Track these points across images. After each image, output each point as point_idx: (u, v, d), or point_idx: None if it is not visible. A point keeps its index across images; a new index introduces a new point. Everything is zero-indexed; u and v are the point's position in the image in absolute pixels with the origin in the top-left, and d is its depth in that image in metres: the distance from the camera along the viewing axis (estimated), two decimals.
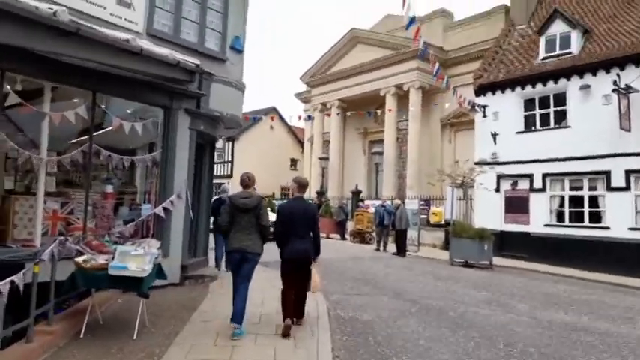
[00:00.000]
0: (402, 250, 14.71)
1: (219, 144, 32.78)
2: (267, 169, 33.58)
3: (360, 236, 18.41)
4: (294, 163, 36.57)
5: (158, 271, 5.13)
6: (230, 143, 33.39)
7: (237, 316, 4.74)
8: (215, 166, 34.32)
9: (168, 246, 6.98)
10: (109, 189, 6.90)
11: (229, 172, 33.92)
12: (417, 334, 5.48)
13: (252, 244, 4.85)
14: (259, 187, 28.51)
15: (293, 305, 5.00)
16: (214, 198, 9.12)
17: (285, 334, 4.77)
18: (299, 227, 5.04)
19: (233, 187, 32.96)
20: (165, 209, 6.90)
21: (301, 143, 34.65)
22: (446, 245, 17.72)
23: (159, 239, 6.88)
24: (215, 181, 33.16)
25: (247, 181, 5.16)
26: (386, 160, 22.77)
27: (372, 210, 19.43)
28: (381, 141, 24.87)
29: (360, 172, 26.89)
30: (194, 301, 6.25)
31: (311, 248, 5.16)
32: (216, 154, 32.86)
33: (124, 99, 6.72)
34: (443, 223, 18.80)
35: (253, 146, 33.62)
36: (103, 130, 6.68)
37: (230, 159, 33.83)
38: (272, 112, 35.56)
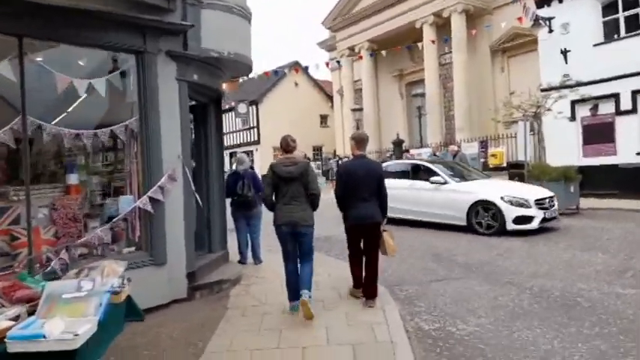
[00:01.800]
0: None
1: (241, 109, 30.67)
2: (296, 129, 31.17)
3: None
4: (324, 119, 34.04)
5: (128, 311, 3.06)
6: (254, 107, 31.12)
7: (305, 282, 4.39)
8: (240, 133, 32.52)
9: (164, 250, 4.91)
10: (73, 180, 4.81)
11: (256, 138, 31.85)
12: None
13: (304, 214, 4.39)
14: None
15: (363, 281, 4.69)
16: (228, 172, 6.96)
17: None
18: (363, 189, 4.58)
19: (261, 156, 31.13)
20: (152, 199, 4.78)
21: (330, 97, 31.94)
22: None
23: (148, 242, 4.87)
24: (242, 149, 31.49)
25: (291, 145, 4.51)
26: (429, 101, 19.92)
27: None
28: (419, 82, 21.96)
29: (399, 120, 24.14)
30: (202, 332, 4.18)
31: (378, 211, 4.68)
32: (240, 120, 31.06)
33: (70, 44, 4.51)
34: (505, 165, 16.17)
35: (279, 107, 31.25)
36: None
37: (255, 124, 31.66)
38: (295, 66, 32.85)
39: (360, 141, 4.80)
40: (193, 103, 6.22)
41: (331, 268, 6.31)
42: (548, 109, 11.80)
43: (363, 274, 4.73)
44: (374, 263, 4.66)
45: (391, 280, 5.80)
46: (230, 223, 6.82)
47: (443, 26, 19.75)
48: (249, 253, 6.97)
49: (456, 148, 13.05)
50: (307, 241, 4.47)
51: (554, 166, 11.30)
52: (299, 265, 4.50)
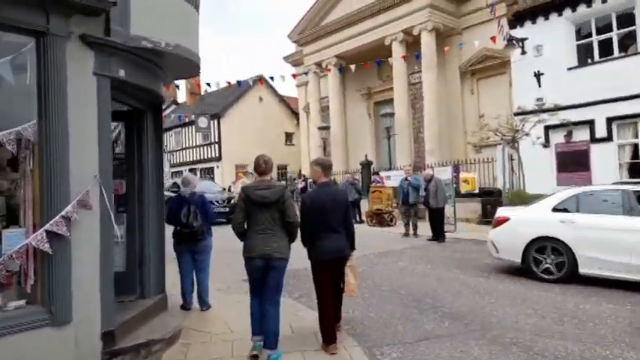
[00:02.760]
0: (439, 234, 11.39)
1: (202, 123, 29.16)
2: (259, 146, 29.95)
3: (379, 217, 15.08)
4: (289, 137, 33.00)
5: None
6: (215, 121, 29.70)
7: (270, 340, 3.94)
8: (200, 149, 31.05)
9: (68, 303, 3.57)
10: None
11: (217, 155, 30.35)
12: None
13: (278, 246, 3.95)
14: (250, 168, 25.24)
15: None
16: (169, 195, 5.68)
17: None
18: (331, 220, 4.26)
19: (223, 172, 29.62)
20: (52, 234, 3.48)
21: (296, 114, 30.96)
22: (483, 219, 14.50)
23: (45, 293, 3.54)
24: (202, 165, 30.06)
25: (263, 167, 4.06)
26: (398, 121, 19.19)
27: (388, 184, 16.12)
28: (388, 101, 21.29)
29: (368, 140, 23.35)
30: None
31: (346, 243, 4.38)
32: (201, 134, 29.50)
33: None
34: (477, 191, 15.52)
35: (242, 122, 29.99)
36: None
37: (217, 139, 30.18)
38: (260, 79, 31.78)
39: (326, 167, 4.48)
40: (125, 108, 4.97)
41: (294, 317, 5.13)
42: (526, 134, 11.17)
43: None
44: (339, 296, 4.49)
45: None
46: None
47: (413, 44, 19.22)
48: (195, 297, 5.68)
49: (430, 172, 12.19)
50: (278, 276, 4.00)
51: (532, 194, 10.61)
52: (263, 306, 4.00)
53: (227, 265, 8.14)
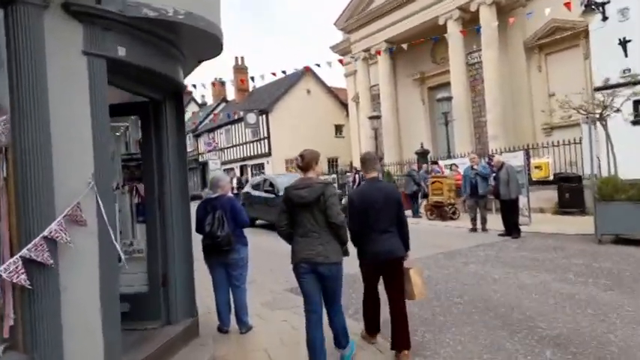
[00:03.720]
0: (513, 229, 9.99)
1: (251, 119, 28.74)
2: (309, 139, 29.16)
3: (440, 210, 13.72)
4: (339, 129, 31.97)
5: None
6: (264, 116, 29.23)
7: (340, 338, 3.76)
8: (250, 145, 30.87)
9: (58, 347, 2.77)
10: None
11: (267, 150, 29.89)
12: None
13: (324, 250, 3.50)
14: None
15: (391, 331, 3.95)
16: (199, 202, 4.82)
17: None
18: (380, 219, 3.90)
19: (273, 167, 29.12)
20: (31, 262, 2.69)
21: (345, 105, 29.85)
22: (561, 209, 12.82)
23: (28, 336, 2.76)
24: (252, 162, 29.91)
25: (301, 162, 3.64)
26: (456, 106, 17.63)
27: (447, 173, 14.73)
28: (443, 85, 19.73)
29: (422, 128, 21.88)
30: None
31: (398, 244, 3.96)
32: (250, 131, 29.26)
33: None
34: (551, 178, 13.81)
35: (290, 116, 29.33)
36: None
37: (266, 134, 29.70)
38: (307, 73, 30.98)
39: (369, 162, 4.17)
40: (140, 99, 4.16)
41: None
42: (617, 110, 9.48)
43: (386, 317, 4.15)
44: (398, 307, 3.95)
45: None
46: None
47: (470, 22, 17.56)
48: (232, 316, 4.84)
49: (501, 159, 10.73)
50: (332, 284, 3.61)
51: (629, 182, 8.94)
52: (326, 317, 3.69)
53: (271, 271, 7.31)
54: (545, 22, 16.02)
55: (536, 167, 14.10)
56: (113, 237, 3.09)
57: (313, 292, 3.57)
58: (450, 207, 13.58)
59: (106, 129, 3.22)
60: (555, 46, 16.79)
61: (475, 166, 10.93)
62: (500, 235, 10.09)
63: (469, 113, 18.19)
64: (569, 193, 12.55)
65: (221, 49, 4.12)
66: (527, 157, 13.74)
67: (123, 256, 3.48)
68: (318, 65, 17.22)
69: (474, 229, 11.03)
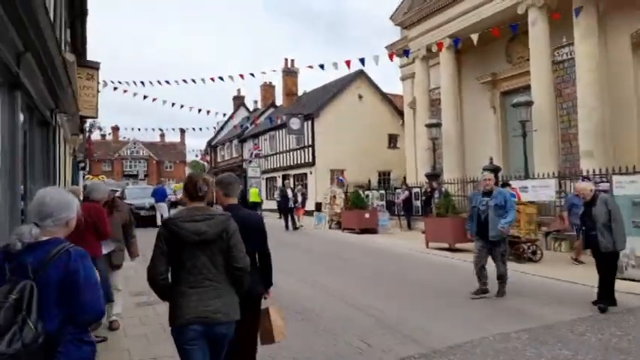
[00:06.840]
0: (608, 297, 6.52)
1: (294, 124, 26.37)
2: (358, 149, 26.43)
3: (515, 248, 10.38)
4: (393, 139, 28.92)
5: None
6: (309, 122, 26.80)
7: None
8: (293, 153, 28.53)
9: None
10: None
11: (311, 159, 27.36)
12: None
13: (224, 305, 2.75)
14: (350, 173, 21.57)
15: None
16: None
17: None
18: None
19: (316, 179, 26.44)
20: None
21: (401, 113, 26.74)
22: None
23: None
24: (294, 171, 28.11)
25: (200, 189, 2.83)
26: (537, 114, 14.17)
27: (522, 197, 11.43)
28: (519, 89, 16.29)
29: (491, 139, 18.44)
30: None
31: (257, 279, 3.29)
32: (294, 137, 26.85)
33: None
34: None
35: (338, 123, 26.70)
36: None
37: (310, 142, 27.20)
38: (359, 77, 28.30)
39: (225, 185, 3.34)
40: None
41: None
42: None
43: None
44: (250, 347, 3.29)
45: None
46: None
47: (556, 11, 14.10)
48: None
49: (590, 185, 7.06)
50: (222, 350, 2.83)
51: None
52: None
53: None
54: None
55: None
56: None
57: None
58: (529, 245, 10.25)
59: None
60: None
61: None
62: (593, 302, 6.62)
63: (554, 123, 14.63)
64: None
65: None
66: None
67: None
68: (362, 61, 14.57)
69: (482, 291, 7.33)
